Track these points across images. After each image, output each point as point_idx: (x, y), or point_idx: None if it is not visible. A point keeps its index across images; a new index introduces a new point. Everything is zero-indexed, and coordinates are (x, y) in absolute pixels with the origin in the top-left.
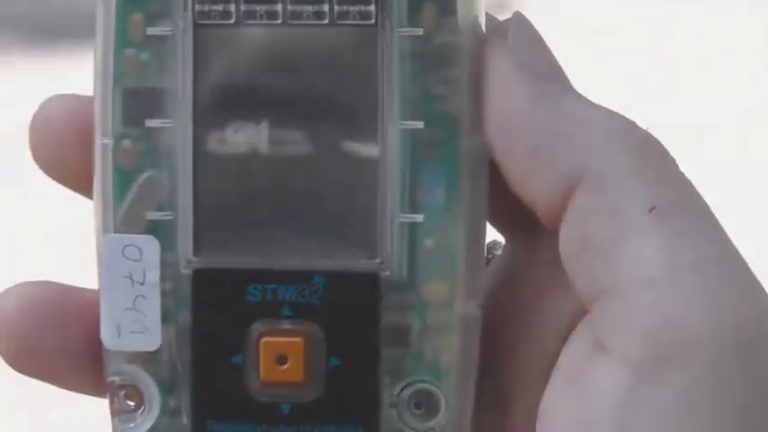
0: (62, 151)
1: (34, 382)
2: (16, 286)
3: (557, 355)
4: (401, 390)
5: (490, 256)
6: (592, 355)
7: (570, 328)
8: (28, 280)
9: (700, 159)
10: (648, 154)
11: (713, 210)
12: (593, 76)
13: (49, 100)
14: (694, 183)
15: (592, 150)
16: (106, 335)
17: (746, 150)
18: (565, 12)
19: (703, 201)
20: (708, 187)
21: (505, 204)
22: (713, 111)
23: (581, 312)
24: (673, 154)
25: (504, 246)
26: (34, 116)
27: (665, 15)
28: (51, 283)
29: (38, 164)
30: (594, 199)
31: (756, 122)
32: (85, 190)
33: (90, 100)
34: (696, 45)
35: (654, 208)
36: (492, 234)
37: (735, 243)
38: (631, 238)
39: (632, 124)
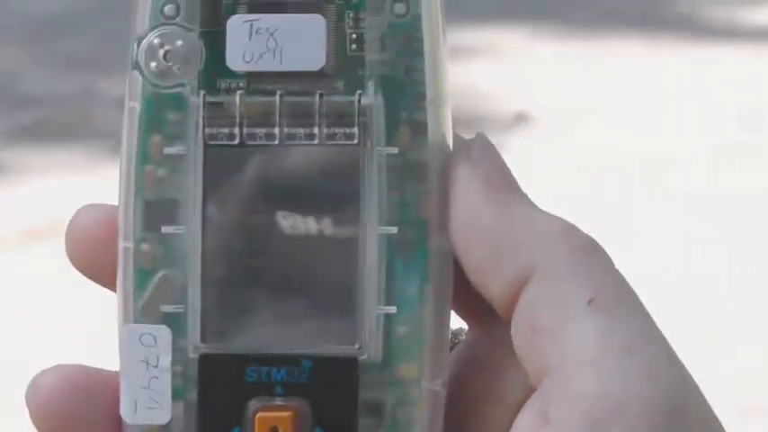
0: (92, 253)
1: None
2: (52, 368)
3: (509, 428)
4: None
5: (456, 341)
6: (538, 427)
7: (520, 404)
8: (60, 363)
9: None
10: (587, 253)
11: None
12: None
13: (81, 210)
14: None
15: (539, 251)
16: (125, 411)
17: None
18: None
19: (634, 292)
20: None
21: (468, 296)
22: (685, 144)
23: (530, 391)
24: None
25: (468, 332)
26: (69, 225)
27: (638, 52)
28: (81, 365)
29: (77, 268)
30: (542, 293)
31: (726, 155)
32: (110, 284)
33: (112, 207)
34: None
35: (592, 300)
36: (458, 322)
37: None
38: (573, 325)
39: (573, 227)
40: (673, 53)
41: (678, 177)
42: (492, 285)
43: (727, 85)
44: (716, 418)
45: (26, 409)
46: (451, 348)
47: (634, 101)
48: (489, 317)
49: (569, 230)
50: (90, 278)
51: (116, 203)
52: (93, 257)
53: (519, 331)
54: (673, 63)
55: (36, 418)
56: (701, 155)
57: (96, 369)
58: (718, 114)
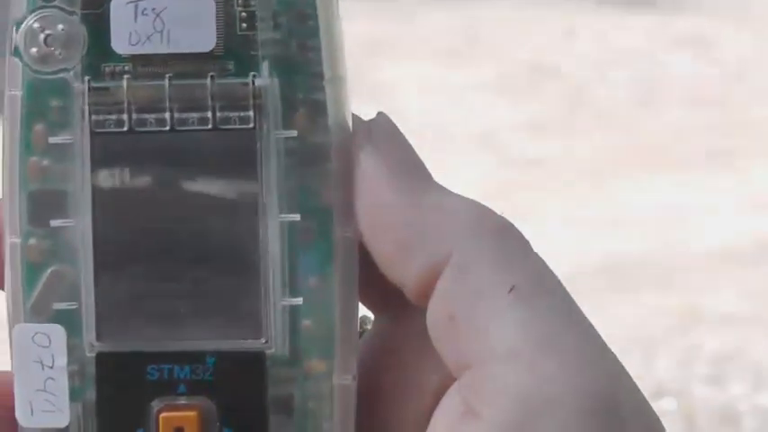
0: None
1: None
2: None
3: (427, 419)
4: None
5: (361, 330)
6: (462, 420)
7: (438, 395)
8: None
9: None
10: (504, 237)
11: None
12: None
13: None
14: None
15: (454, 237)
16: (20, 414)
17: None
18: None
19: (556, 278)
20: None
21: (374, 284)
22: None
23: (447, 380)
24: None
25: (374, 320)
26: None
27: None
28: None
29: None
30: (459, 282)
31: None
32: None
33: None
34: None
35: (513, 288)
36: (362, 310)
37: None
38: (494, 316)
39: (489, 210)
40: None
41: None
42: (405, 275)
43: None
44: (650, 408)
45: None
46: (358, 338)
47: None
48: (398, 305)
49: (483, 214)
50: None
51: None
52: None
53: (436, 321)
54: None
55: None
56: None
57: None
58: None
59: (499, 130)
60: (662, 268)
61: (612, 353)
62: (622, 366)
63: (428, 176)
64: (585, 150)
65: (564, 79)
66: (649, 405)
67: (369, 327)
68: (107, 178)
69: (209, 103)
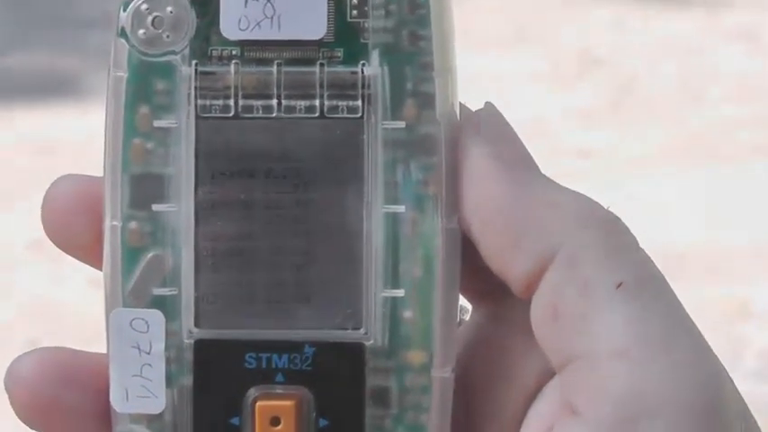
0: (71, 227)
1: None
2: (33, 351)
3: (523, 413)
4: None
5: (458, 321)
6: (561, 415)
7: (536, 390)
8: (42, 346)
9: None
10: (613, 233)
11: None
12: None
13: (59, 180)
14: None
15: (563, 231)
16: (115, 399)
17: None
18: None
19: (661, 275)
20: None
21: (475, 275)
22: None
23: (546, 374)
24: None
25: (472, 312)
26: (45, 195)
27: None
28: (65, 348)
29: (50, 238)
30: (566, 276)
31: None
32: (93, 261)
33: (95, 179)
34: None
35: (621, 284)
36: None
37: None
38: (602, 311)
39: (597, 204)
40: None
41: None
42: (512, 267)
43: None
44: (750, 412)
45: (5, 395)
46: None
47: None
48: (499, 297)
49: (592, 208)
50: (67, 252)
51: (98, 176)
52: (71, 231)
53: (540, 314)
54: None
55: (18, 406)
56: None
57: (82, 352)
58: None
59: (548, 120)
60: (709, 260)
61: (715, 355)
62: (724, 369)
63: (536, 169)
64: (633, 142)
65: (612, 71)
66: (749, 409)
67: (466, 317)
68: (211, 164)
69: (318, 91)
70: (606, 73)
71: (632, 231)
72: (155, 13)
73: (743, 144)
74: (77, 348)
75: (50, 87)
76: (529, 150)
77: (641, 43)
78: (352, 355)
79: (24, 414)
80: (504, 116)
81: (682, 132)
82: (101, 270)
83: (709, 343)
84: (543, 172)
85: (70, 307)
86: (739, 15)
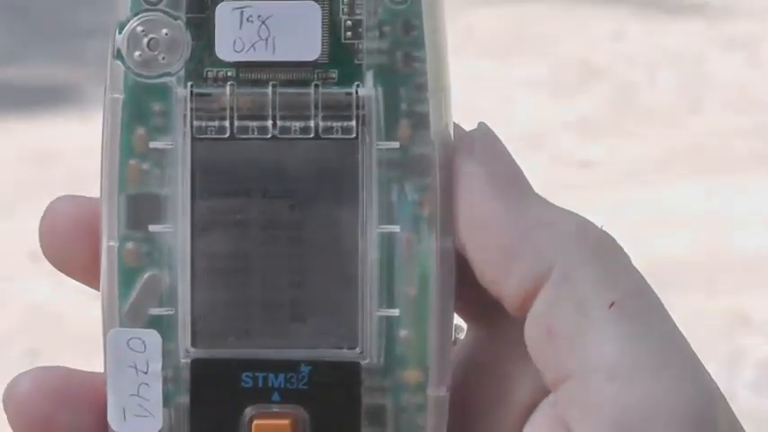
0: (68, 248)
1: None
2: (31, 370)
3: (518, 431)
4: None
5: (453, 340)
6: None
7: (530, 408)
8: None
9: None
10: (607, 252)
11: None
12: None
13: (56, 201)
14: None
15: (557, 250)
16: (113, 418)
17: None
18: None
19: (654, 293)
20: None
21: (469, 294)
22: None
23: (541, 392)
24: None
25: (467, 330)
26: (43, 216)
27: None
28: (62, 367)
29: (48, 259)
30: (560, 295)
31: None
32: (91, 281)
33: (92, 200)
34: None
35: (614, 303)
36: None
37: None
38: (595, 330)
39: (590, 224)
40: None
41: None
42: (506, 286)
43: None
44: (742, 429)
45: (4, 414)
46: None
47: None
48: (493, 316)
49: (585, 227)
50: (64, 273)
51: (94, 197)
52: (68, 252)
53: (534, 332)
54: None
55: (16, 426)
56: None
57: (79, 371)
58: None
59: (547, 130)
60: (708, 271)
61: (708, 372)
62: (717, 386)
63: (529, 188)
64: (633, 151)
65: (612, 80)
66: (741, 426)
67: (461, 336)
68: (207, 185)
69: (312, 112)
70: (606, 83)
71: (627, 248)
72: (150, 35)
73: (742, 153)
74: (78, 359)
75: (50, 98)
76: (523, 169)
77: (641, 53)
78: (348, 374)
79: None
80: (498, 135)
81: (681, 142)
82: (98, 290)
83: (708, 354)
84: (543, 181)
85: (70, 318)
86: (738, 25)
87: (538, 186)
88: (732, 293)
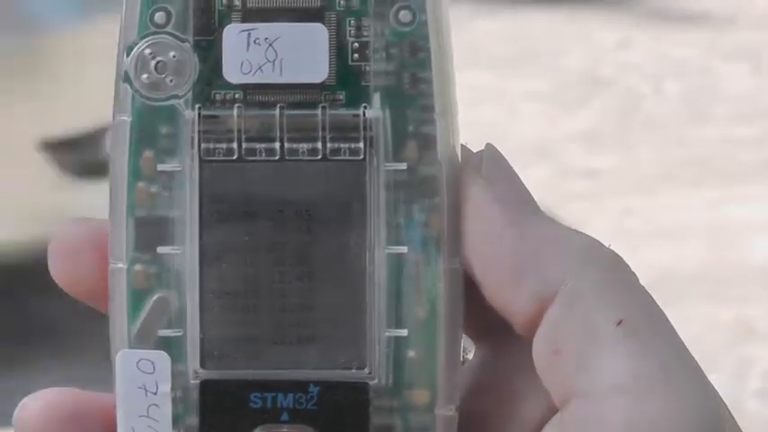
0: (78, 270)
1: None
2: (40, 392)
3: None
4: None
5: (462, 359)
6: None
7: (538, 425)
8: (49, 388)
9: None
10: (613, 271)
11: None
12: None
13: (65, 223)
14: None
15: (564, 269)
16: None
17: None
18: None
19: (663, 313)
20: None
21: (477, 314)
22: None
23: (548, 411)
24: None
25: (475, 350)
26: (53, 240)
27: None
28: (71, 390)
29: (57, 281)
30: (568, 314)
31: None
32: (99, 303)
33: (101, 222)
34: None
35: (621, 321)
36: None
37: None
38: (602, 348)
39: (597, 243)
40: None
41: None
42: (513, 306)
43: None
44: None
45: None
46: None
47: None
48: (501, 335)
49: (592, 246)
50: (74, 295)
51: (105, 219)
52: (79, 275)
53: (542, 351)
54: None
55: None
56: None
57: (88, 393)
58: None
59: (552, 141)
60: (714, 281)
61: (715, 390)
62: (724, 403)
63: (536, 208)
64: (638, 162)
65: (616, 90)
66: None
67: (469, 356)
68: (215, 207)
69: (320, 133)
70: (611, 93)
71: (633, 259)
72: (158, 58)
73: (748, 163)
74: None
75: None
76: (529, 180)
77: (646, 64)
78: (357, 394)
79: None
80: (504, 152)
81: (687, 152)
82: (107, 312)
83: (715, 364)
84: (549, 192)
85: None
86: (743, 35)
87: (544, 197)
88: (739, 303)
